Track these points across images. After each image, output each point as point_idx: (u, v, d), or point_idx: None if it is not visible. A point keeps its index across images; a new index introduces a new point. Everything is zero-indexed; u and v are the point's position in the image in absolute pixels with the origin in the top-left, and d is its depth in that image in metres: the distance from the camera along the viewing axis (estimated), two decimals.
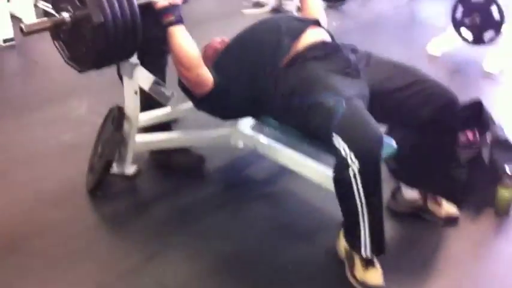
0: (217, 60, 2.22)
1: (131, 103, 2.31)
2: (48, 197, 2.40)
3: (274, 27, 2.16)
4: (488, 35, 3.59)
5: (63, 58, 2.09)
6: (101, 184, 2.38)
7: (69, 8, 1.91)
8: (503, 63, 3.63)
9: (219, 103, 2.19)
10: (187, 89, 2.21)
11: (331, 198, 2.15)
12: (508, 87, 3.49)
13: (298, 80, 2.02)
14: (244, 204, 2.39)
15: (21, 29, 1.88)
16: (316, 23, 2.22)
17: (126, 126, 2.33)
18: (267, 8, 4.56)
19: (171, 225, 2.26)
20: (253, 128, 2.56)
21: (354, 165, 1.78)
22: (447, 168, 2.19)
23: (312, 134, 2.01)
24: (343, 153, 1.79)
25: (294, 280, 2.01)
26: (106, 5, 1.86)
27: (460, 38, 3.72)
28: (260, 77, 2.10)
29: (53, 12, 1.95)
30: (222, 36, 2.35)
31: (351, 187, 1.81)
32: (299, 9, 2.72)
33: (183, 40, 2.09)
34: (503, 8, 3.46)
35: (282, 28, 2.14)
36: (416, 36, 4.26)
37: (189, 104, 2.44)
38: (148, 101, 2.35)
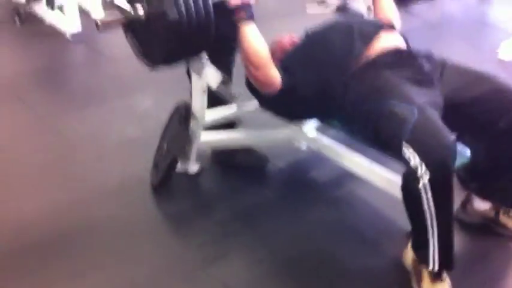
0: (286, 58, 2.19)
1: (199, 101, 2.31)
2: (112, 192, 2.42)
3: (346, 30, 2.11)
4: None
5: (135, 53, 2.10)
6: (166, 181, 2.39)
7: (144, 4, 1.92)
8: None
9: (285, 103, 2.17)
10: (254, 88, 2.20)
11: (397, 206, 2.09)
12: None
13: (368, 87, 1.97)
14: (308, 207, 2.35)
15: (96, 24, 1.90)
16: (391, 26, 2.16)
17: (192, 123, 2.34)
18: (332, 7, 4.49)
19: (234, 226, 2.25)
20: (318, 129, 2.52)
21: (425, 176, 1.72)
22: None
23: (381, 142, 1.95)
24: (413, 163, 1.73)
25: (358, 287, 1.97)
26: (181, 2, 1.85)
27: None
28: (329, 80, 2.06)
29: (126, 7, 1.96)
30: (290, 33, 2.33)
31: (421, 199, 1.75)
32: (369, 8, 2.65)
33: (254, 38, 2.08)
34: None
35: (355, 31, 2.08)
36: (486, 39, 4.11)
37: (254, 104, 2.44)
38: (213, 99, 2.35)
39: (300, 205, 2.36)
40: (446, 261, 1.84)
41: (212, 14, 1.93)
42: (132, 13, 1.93)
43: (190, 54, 2.10)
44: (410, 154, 1.74)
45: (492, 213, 2.16)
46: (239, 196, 2.42)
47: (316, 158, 2.56)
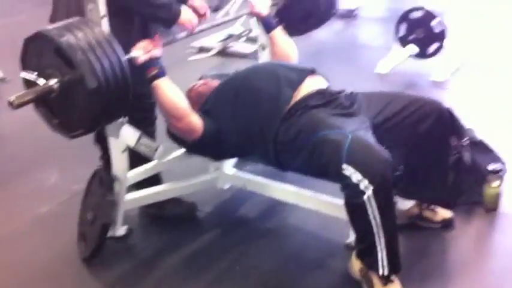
0: (207, 103, 2.27)
1: (119, 163, 2.29)
2: (41, 275, 2.31)
3: (272, 77, 2.24)
4: (432, 47, 3.80)
5: (50, 125, 2.06)
6: (99, 250, 2.33)
7: (57, 73, 1.91)
8: (449, 71, 3.85)
9: (211, 146, 2.25)
10: (178, 138, 2.26)
11: (329, 224, 2.32)
12: (456, 92, 3.69)
13: (300, 126, 2.10)
14: (246, 244, 2.40)
15: (10, 103, 1.86)
16: (313, 71, 2.30)
17: (115, 186, 2.32)
18: (213, 52, 4.64)
19: (181, 276, 2.24)
20: (236, 166, 2.64)
21: (367, 190, 1.85)
22: (441, 177, 2.29)
23: (318, 171, 2.07)
24: (355, 180, 1.87)
25: None
26: (98, 68, 1.86)
27: (406, 54, 3.91)
28: (259, 124, 2.17)
29: (38, 81, 1.93)
30: (204, 79, 2.42)
31: (366, 210, 1.88)
32: (263, 48, 2.80)
33: (170, 91, 2.14)
34: (444, 21, 3.68)
35: (281, 78, 2.22)
36: (361, 57, 4.44)
37: (174, 155, 2.48)
38: (133, 157, 2.35)
39: (240, 244, 2.40)
40: (394, 263, 1.97)
41: (128, 74, 1.96)
42: (44, 85, 1.90)
43: (113, 118, 2.09)
44: (351, 173, 1.88)
45: (416, 210, 2.34)
46: (177, 247, 2.41)
47: (240, 195, 2.65)
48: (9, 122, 2.30)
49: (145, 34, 2.32)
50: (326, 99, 2.19)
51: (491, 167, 2.39)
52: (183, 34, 2.36)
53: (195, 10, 2.38)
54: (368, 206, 1.87)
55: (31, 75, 1.95)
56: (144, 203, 2.51)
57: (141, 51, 2.10)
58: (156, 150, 2.39)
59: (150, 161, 2.47)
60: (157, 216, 2.57)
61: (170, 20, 2.25)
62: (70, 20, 1.99)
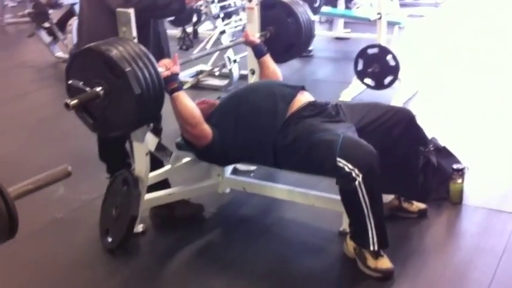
0: (213, 117, 2.64)
1: (143, 164, 2.63)
2: (61, 271, 2.57)
3: (269, 93, 2.64)
4: (387, 80, 4.30)
5: (89, 126, 2.38)
6: (126, 242, 2.63)
7: (101, 82, 2.24)
8: (406, 97, 4.40)
9: (217, 152, 2.62)
10: (192, 144, 2.62)
11: (323, 216, 2.73)
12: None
13: (297, 133, 2.49)
14: (251, 239, 2.73)
15: (67, 105, 2.18)
16: (303, 88, 2.72)
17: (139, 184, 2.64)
18: (188, 85, 5.01)
19: (193, 268, 2.56)
20: (233, 173, 3.04)
21: (358, 177, 2.26)
22: (414, 175, 2.74)
23: (315, 167, 2.46)
24: (348, 170, 2.27)
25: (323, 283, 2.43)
26: (141, 76, 2.22)
27: (365, 86, 4.41)
28: (259, 135, 2.55)
29: (84, 88, 2.26)
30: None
31: (357, 195, 2.28)
32: (252, 73, 3.21)
33: (188, 102, 2.51)
34: (397, 55, 4.22)
35: (277, 94, 2.62)
36: (323, 90, 4.81)
37: (184, 161, 2.83)
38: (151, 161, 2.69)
39: (241, 239, 2.74)
40: (383, 240, 2.37)
41: (163, 85, 2.32)
42: (92, 92, 2.23)
43: (149, 121, 2.44)
44: (344, 165, 2.28)
45: (396, 203, 2.77)
46: (186, 243, 2.72)
47: (240, 197, 3.02)
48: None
49: (160, 50, 2.72)
50: (317, 110, 2.62)
51: (455, 166, 2.86)
52: (197, 55, 2.76)
53: None
54: (359, 190, 2.27)
55: (79, 83, 2.29)
56: (159, 203, 2.82)
57: (163, 68, 2.46)
58: (170, 155, 2.76)
59: (162, 166, 2.82)
60: (168, 217, 2.89)
61: (182, 4, 2.61)
62: (110, 39, 2.35)
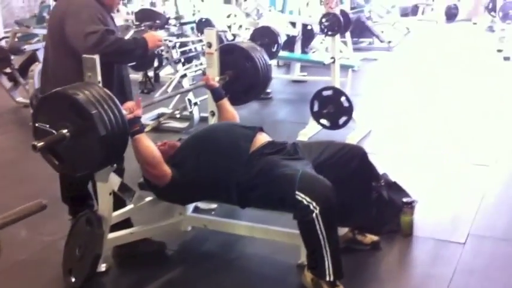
0: (176, 157, 2.76)
1: (106, 204, 2.71)
2: None
3: (230, 133, 2.80)
4: (342, 120, 4.50)
5: (55, 168, 2.47)
6: (89, 281, 2.68)
7: (67, 125, 2.34)
8: (359, 137, 4.61)
9: (178, 191, 2.73)
10: (152, 185, 2.73)
11: (282, 250, 2.86)
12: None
13: (261, 166, 2.63)
14: (213, 275, 2.81)
15: (34, 147, 2.27)
16: (261, 129, 2.88)
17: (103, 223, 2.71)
18: (149, 128, 5.11)
19: None
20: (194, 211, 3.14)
21: (316, 210, 2.40)
22: (368, 208, 2.90)
23: (276, 201, 2.59)
24: (306, 202, 2.41)
25: None
26: (106, 119, 2.33)
27: (320, 126, 4.60)
28: (222, 172, 2.67)
29: (51, 130, 2.35)
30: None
31: (315, 226, 2.42)
32: (212, 114, 3.35)
33: (149, 144, 2.63)
34: (350, 97, 4.43)
35: (237, 134, 2.78)
36: (281, 130, 5.03)
37: (146, 200, 2.92)
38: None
39: (203, 275, 2.82)
40: (338, 270, 2.49)
41: (128, 129, 2.44)
42: (59, 134, 2.33)
43: (113, 162, 2.55)
44: (302, 198, 2.43)
45: (350, 235, 2.91)
46: (150, 280, 2.79)
47: (202, 234, 3.11)
48: None
49: (124, 93, 2.85)
50: (276, 148, 2.77)
51: (405, 200, 3.03)
52: (159, 98, 2.89)
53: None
54: (316, 223, 2.40)
55: (45, 126, 2.38)
56: (122, 241, 2.89)
57: (127, 111, 2.58)
58: (133, 195, 2.85)
59: (125, 205, 2.90)
60: (130, 255, 2.95)
61: (145, 49, 2.79)
62: (76, 84, 2.47)
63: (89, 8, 2.74)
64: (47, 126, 2.37)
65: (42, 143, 2.29)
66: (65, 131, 2.35)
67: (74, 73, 2.60)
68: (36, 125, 2.40)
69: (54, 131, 2.35)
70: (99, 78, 2.54)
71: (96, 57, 2.49)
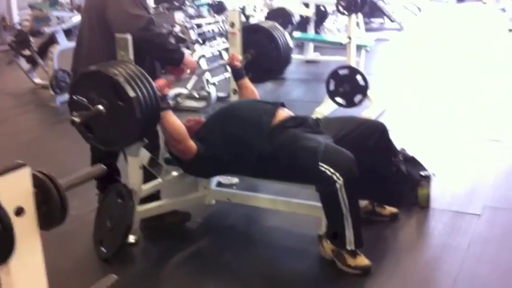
0: (201, 132, 2.88)
1: (136, 177, 2.83)
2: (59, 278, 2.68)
3: (253, 108, 2.90)
4: (357, 98, 4.59)
5: (86, 139, 2.58)
6: (120, 250, 2.81)
7: (104, 102, 2.45)
8: (374, 115, 4.71)
9: (202, 165, 2.86)
10: (178, 159, 2.84)
11: (302, 222, 2.97)
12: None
13: (283, 140, 2.74)
14: (237, 246, 2.94)
15: (72, 122, 2.39)
16: (282, 104, 2.98)
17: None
18: None
19: (183, 273, 2.76)
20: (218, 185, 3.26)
21: (339, 180, 2.50)
22: (387, 182, 3.00)
23: (297, 173, 2.68)
24: (329, 173, 2.51)
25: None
26: (143, 102, 2.44)
27: (336, 104, 4.69)
28: (245, 145, 2.78)
29: (88, 105, 2.46)
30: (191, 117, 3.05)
31: (338, 197, 2.52)
32: (234, 92, 3.46)
33: (175, 120, 2.75)
34: (366, 76, 4.52)
35: (260, 109, 2.89)
36: (297, 109, 5.08)
37: (174, 174, 3.04)
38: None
39: (227, 246, 2.94)
40: (359, 240, 2.60)
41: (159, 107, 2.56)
42: (97, 109, 2.44)
43: (143, 139, 2.67)
44: (326, 169, 2.52)
45: (370, 207, 3.03)
46: (175, 252, 2.92)
47: (225, 207, 3.24)
48: None
49: (153, 71, 2.95)
50: (298, 122, 2.87)
51: (422, 173, 3.14)
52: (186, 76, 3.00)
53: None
54: (339, 193, 2.50)
55: (83, 100, 2.49)
56: (150, 214, 3.02)
57: (157, 89, 2.68)
58: (161, 169, 2.97)
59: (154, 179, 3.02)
60: (158, 227, 3.08)
61: (179, 60, 2.91)
62: (114, 62, 2.57)
63: None
64: (85, 100, 2.48)
65: (79, 119, 2.40)
66: (101, 107, 2.45)
67: (107, 54, 2.69)
68: (74, 97, 2.50)
69: (91, 106, 2.46)
70: (132, 56, 2.64)
71: (129, 36, 2.58)
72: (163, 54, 2.90)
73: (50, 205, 1.21)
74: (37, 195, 1.22)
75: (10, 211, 1.19)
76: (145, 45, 2.75)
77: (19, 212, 1.20)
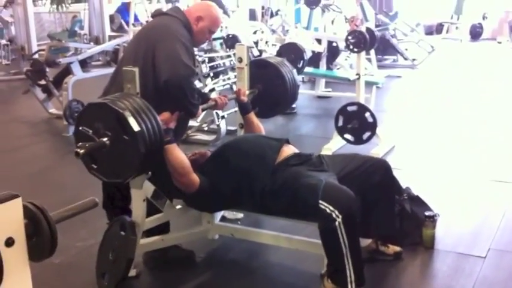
0: (205, 166, 2.89)
1: (140, 210, 2.84)
2: None
3: (258, 144, 2.93)
4: (366, 135, 4.60)
5: (90, 170, 2.59)
6: (123, 282, 2.81)
7: (108, 134, 2.47)
8: (382, 152, 4.70)
9: (205, 199, 2.86)
10: (182, 192, 2.85)
11: (305, 260, 2.93)
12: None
13: (284, 178, 2.74)
14: (238, 281, 2.91)
15: (76, 153, 2.41)
16: (287, 141, 3.00)
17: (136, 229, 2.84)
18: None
19: None
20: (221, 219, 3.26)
21: (338, 218, 2.49)
22: (391, 220, 2.98)
23: (298, 210, 2.69)
24: (329, 211, 2.51)
25: None
26: (147, 137, 2.46)
27: (344, 141, 4.70)
28: (249, 180, 2.79)
29: (93, 136, 2.49)
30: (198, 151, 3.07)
31: (337, 235, 2.50)
32: (241, 127, 3.47)
33: (179, 154, 2.76)
34: (375, 113, 4.53)
35: (265, 145, 2.91)
36: (305, 144, 5.08)
37: (177, 207, 3.05)
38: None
39: (229, 281, 2.92)
40: (360, 279, 2.58)
41: (163, 140, 2.58)
42: (101, 141, 2.47)
43: (146, 172, 2.69)
44: (325, 207, 2.52)
45: (373, 246, 3.01)
46: (179, 285, 2.92)
47: (229, 242, 3.22)
48: None
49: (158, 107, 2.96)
50: (302, 159, 2.88)
51: (427, 213, 3.11)
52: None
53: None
54: (339, 231, 2.49)
55: (87, 131, 2.52)
56: (154, 247, 3.01)
57: (162, 122, 2.71)
58: (165, 202, 2.98)
59: (158, 212, 3.03)
60: (161, 261, 3.08)
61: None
62: (122, 94, 2.61)
63: (183, 38, 2.90)
64: (90, 131, 2.51)
65: (83, 150, 2.43)
66: (105, 139, 2.48)
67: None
68: (80, 128, 2.54)
69: (95, 137, 2.49)
70: (138, 89, 2.67)
71: (136, 69, 2.62)
72: (185, 105, 2.92)
73: (40, 237, 1.22)
74: (28, 226, 1.23)
75: (0, 241, 1.20)
76: (178, 92, 2.81)
77: (9, 242, 1.22)
